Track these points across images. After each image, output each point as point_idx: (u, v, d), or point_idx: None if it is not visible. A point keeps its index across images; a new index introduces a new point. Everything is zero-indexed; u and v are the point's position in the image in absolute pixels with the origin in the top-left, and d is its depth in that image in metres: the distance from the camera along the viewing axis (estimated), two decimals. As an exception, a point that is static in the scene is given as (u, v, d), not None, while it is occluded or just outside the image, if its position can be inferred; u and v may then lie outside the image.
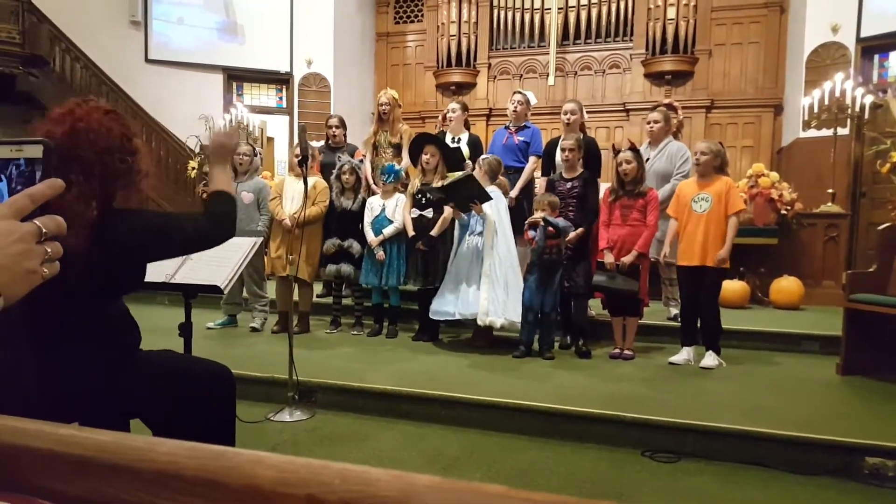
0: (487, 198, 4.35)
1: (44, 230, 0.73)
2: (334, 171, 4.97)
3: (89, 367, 1.61)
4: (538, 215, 4.22)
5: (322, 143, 5.82)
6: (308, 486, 0.49)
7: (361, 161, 5.32)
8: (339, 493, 0.48)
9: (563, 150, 4.44)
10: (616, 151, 4.31)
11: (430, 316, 4.52)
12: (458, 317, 4.36)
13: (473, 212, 4.40)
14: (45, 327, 1.59)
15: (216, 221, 1.78)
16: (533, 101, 5.55)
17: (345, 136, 5.66)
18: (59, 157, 1.58)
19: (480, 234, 4.45)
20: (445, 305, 4.40)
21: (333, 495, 0.48)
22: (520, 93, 5.47)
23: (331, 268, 4.96)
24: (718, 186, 3.98)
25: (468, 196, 4.34)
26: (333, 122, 5.65)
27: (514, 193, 4.97)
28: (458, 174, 4.49)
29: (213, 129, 1.74)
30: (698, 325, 4.12)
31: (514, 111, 5.31)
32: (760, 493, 2.54)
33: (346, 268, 4.89)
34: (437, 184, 4.54)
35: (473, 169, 4.74)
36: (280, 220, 4.83)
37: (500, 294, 4.31)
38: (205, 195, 1.84)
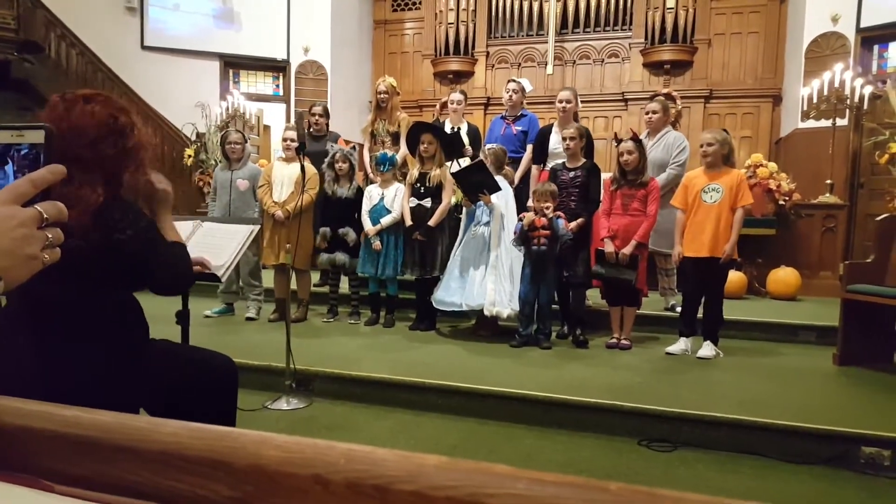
0: (497, 188, 4.33)
1: (45, 216, 0.72)
2: (326, 160, 4.93)
3: (94, 357, 1.59)
4: (540, 215, 4.15)
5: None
6: (314, 465, 0.49)
7: (348, 149, 5.24)
8: (345, 473, 0.48)
9: (564, 139, 4.42)
10: (618, 141, 4.29)
11: (435, 306, 4.51)
12: (464, 307, 4.35)
13: (482, 202, 4.39)
14: (49, 316, 1.57)
15: (179, 266, 1.77)
16: (528, 88, 5.52)
17: (327, 125, 5.58)
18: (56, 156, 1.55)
19: (487, 224, 4.44)
20: (451, 296, 4.38)
21: (339, 475, 0.48)
22: (514, 80, 5.43)
23: (324, 256, 4.90)
24: (731, 179, 3.95)
25: (478, 184, 4.33)
26: (317, 109, 5.55)
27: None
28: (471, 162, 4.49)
29: (155, 182, 1.67)
30: (699, 315, 4.12)
31: (510, 99, 5.29)
32: (757, 483, 2.55)
33: (340, 256, 4.85)
34: (451, 170, 4.53)
35: (477, 156, 4.72)
36: (273, 213, 4.77)
37: (507, 285, 4.31)
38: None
